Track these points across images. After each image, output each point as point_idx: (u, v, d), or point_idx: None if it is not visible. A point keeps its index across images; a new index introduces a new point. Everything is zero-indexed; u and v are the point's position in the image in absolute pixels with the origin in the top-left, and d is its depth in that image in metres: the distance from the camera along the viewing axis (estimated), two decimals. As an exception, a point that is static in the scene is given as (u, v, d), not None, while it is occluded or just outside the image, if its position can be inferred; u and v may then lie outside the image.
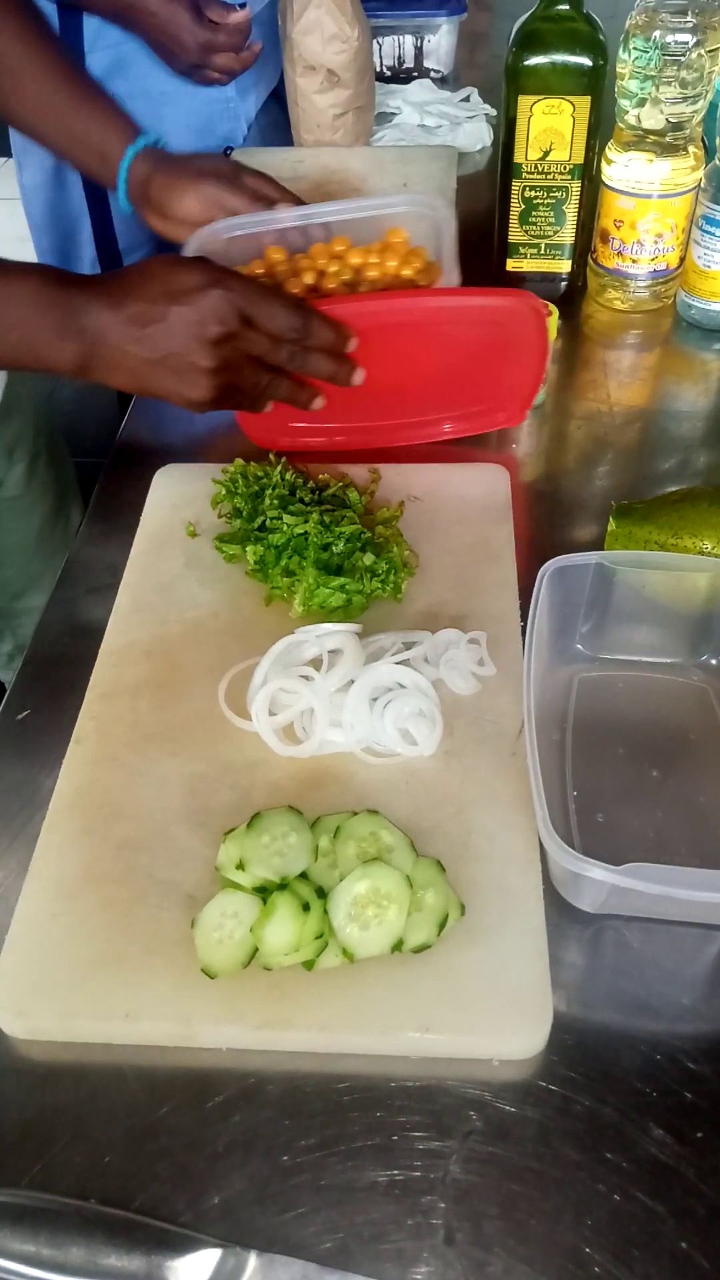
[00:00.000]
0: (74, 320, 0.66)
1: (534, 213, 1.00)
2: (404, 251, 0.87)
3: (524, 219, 1.01)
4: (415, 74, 1.51)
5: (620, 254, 1.02)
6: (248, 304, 0.68)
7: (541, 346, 0.81)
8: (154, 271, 0.68)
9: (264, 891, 0.54)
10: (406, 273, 0.85)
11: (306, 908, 0.53)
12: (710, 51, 0.91)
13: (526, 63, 0.92)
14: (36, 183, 1.29)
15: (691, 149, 0.96)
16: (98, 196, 1.28)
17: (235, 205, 0.90)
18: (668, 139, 0.95)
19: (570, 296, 1.06)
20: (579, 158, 0.96)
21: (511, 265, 1.04)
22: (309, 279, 0.85)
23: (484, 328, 0.81)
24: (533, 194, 0.99)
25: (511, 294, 0.81)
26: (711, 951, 0.56)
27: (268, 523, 0.74)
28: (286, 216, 0.89)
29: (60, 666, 0.72)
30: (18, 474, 1.02)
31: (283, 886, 0.54)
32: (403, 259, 0.86)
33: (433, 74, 1.51)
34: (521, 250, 1.03)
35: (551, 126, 0.94)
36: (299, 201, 0.93)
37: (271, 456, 0.81)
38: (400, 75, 1.51)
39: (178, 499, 0.83)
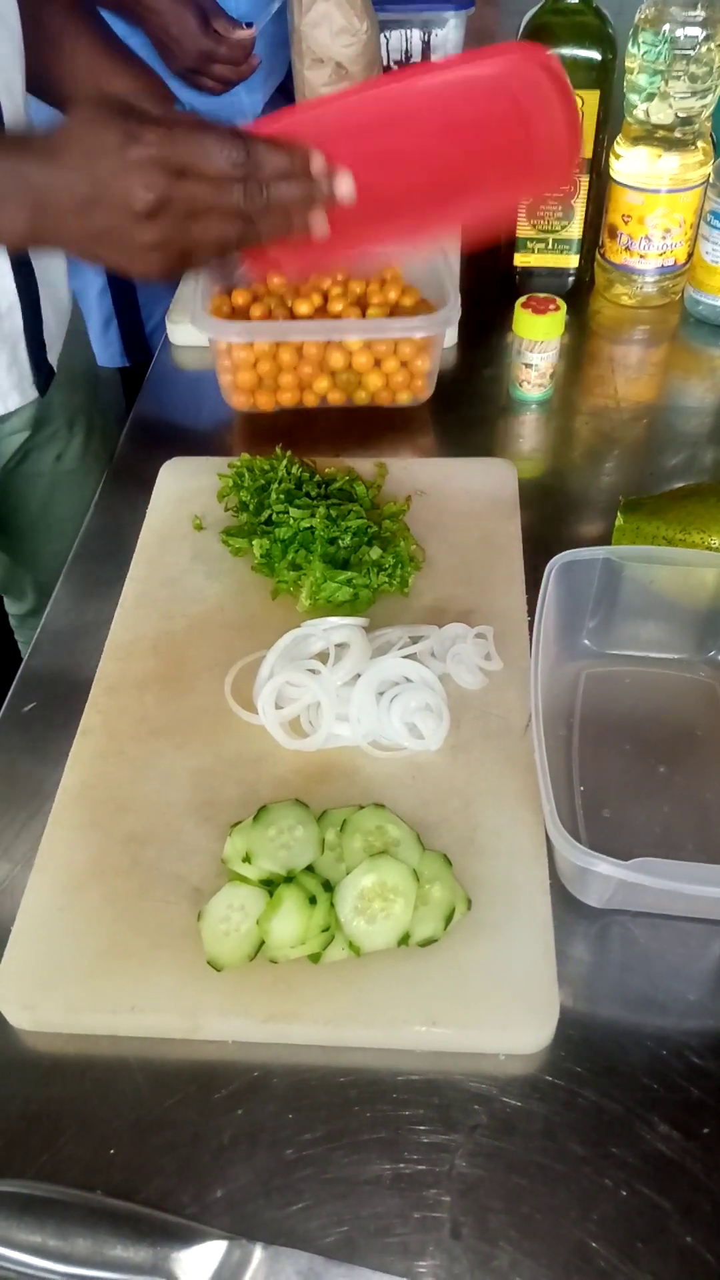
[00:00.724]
0: (15, 183, 0.58)
1: (541, 207, 1.00)
2: (401, 285, 0.91)
3: (532, 214, 1.01)
4: (422, 68, 1.50)
5: (628, 249, 1.01)
6: (173, 153, 0.57)
7: (567, 103, 0.67)
8: (78, 134, 0.59)
9: (270, 885, 0.54)
10: (406, 302, 0.89)
11: (313, 901, 0.53)
12: (720, 45, 0.90)
13: (535, 56, 0.91)
14: None
15: (700, 144, 0.96)
16: None
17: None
18: (676, 134, 0.95)
19: (578, 292, 1.06)
20: (587, 152, 0.96)
21: (519, 260, 1.04)
22: (314, 300, 0.89)
23: (491, 101, 0.68)
24: (541, 188, 0.99)
25: (511, 49, 0.70)
26: (718, 947, 0.56)
27: (274, 516, 0.74)
28: None
29: (66, 659, 0.72)
30: (76, 447, 1.02)
31: (289, 880, 0.54)
32: (402, 290, 0.90)
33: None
34: (529, 245, 1.03)
35: (560, 120, 0.94)
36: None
37: (278, 450, 0.81)
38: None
39: (184, 492, 0.83)
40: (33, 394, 0.92)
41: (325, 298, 0.90)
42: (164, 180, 0.57)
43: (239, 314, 0.90)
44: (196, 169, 0.58)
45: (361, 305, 0.89)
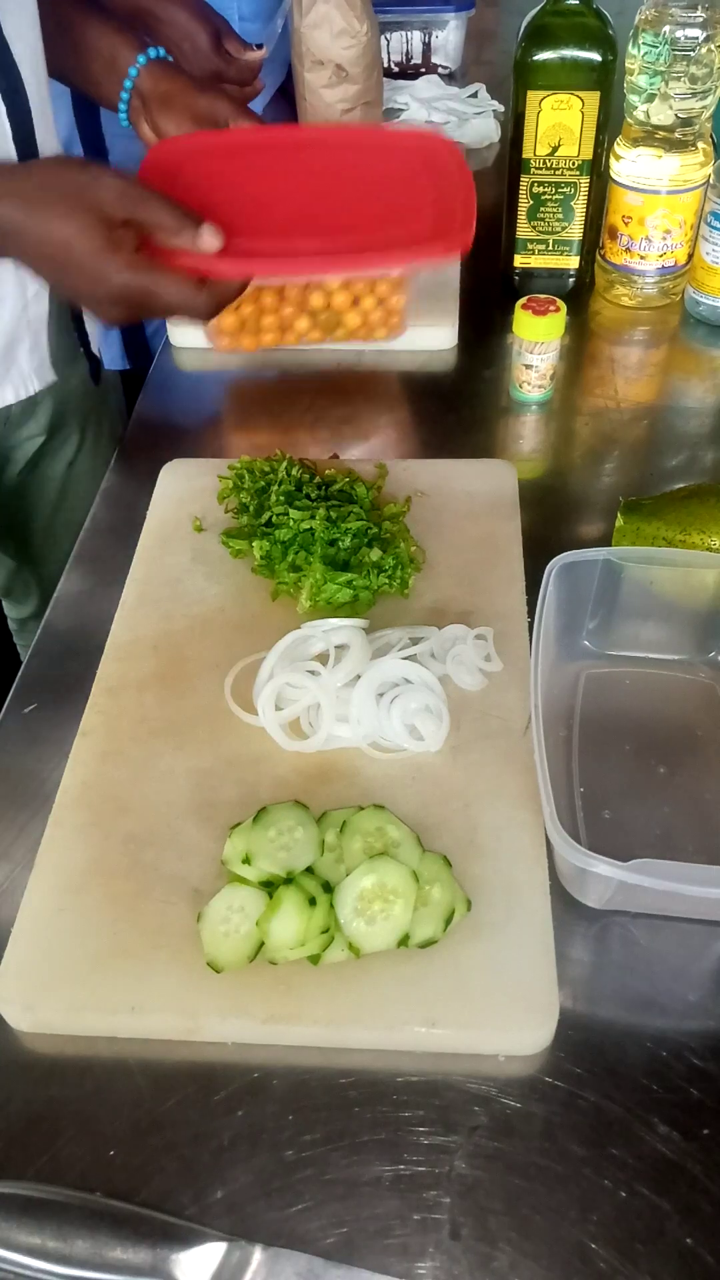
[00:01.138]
0: None
1: (542, 208, 1.00)
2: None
3: (532, 215, 1.01)
4: (423, 70, 1.50)
5: (628, 250, 1.01)
6: (141, 281, 0.68)
7: (463, 178, 0.77)
8: (53, 225, 0.67)
9: (270, 886, 0.54)
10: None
11: (313, 902, 0.53)
12: (720, 47, 0.90)
13: (535, 58, 0.91)
14: None
15: (701, 145, 0.96)
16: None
17: (223, 113, 0.89)
18: (677, 135, 0.95)
19: (578, 293, 1.06)
20: (588, 153, 0.96)
21: (519, 261, 1.04)
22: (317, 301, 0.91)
23: (395, 156, 0.79)
24: (541, 190, 0.99)
25: (422, 132, 0.83)
26: (718, 948, 0.56)
27: (274, 518, 0.74)
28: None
29: (67, 660, 0.72)
30: (86, 451, 1.04)
31: (289, 881, 0.54)
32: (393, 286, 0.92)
33: (440, 70, 1.51)
34: (529, 246, 1.03)
35: (560, 122, 0.94)
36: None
37: (278, 452, 0.81)
38: (408, 71, 1.51)
39: (184, 493, 0.83)
40: (50, 377, 0.93)
41: None
42: (129, 311, 0.69)
43: None
44: (150, 307, 0.69)
45: None
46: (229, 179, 0.77)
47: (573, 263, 1.04)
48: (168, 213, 0.68)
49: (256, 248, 0.71)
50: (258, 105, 1.33)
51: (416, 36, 1.49)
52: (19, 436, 0.96)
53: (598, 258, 1.06)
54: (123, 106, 0.92)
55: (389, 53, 1.49)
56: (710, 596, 0.68)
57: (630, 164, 0.97)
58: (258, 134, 0.82)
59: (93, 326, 0.97)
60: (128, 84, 0.91)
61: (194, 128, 0.88)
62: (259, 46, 0.95)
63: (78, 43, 0.91)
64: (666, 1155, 0.48)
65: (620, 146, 0.98)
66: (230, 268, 0.70)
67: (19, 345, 0.89)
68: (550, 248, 1.03)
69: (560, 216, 1.00)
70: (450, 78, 1.50)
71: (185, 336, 1.03)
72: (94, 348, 0.96)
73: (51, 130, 0.88)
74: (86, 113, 1.28)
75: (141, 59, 0.90)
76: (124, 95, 0.91)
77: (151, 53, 0.91)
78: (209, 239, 0.68)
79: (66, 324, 0.94)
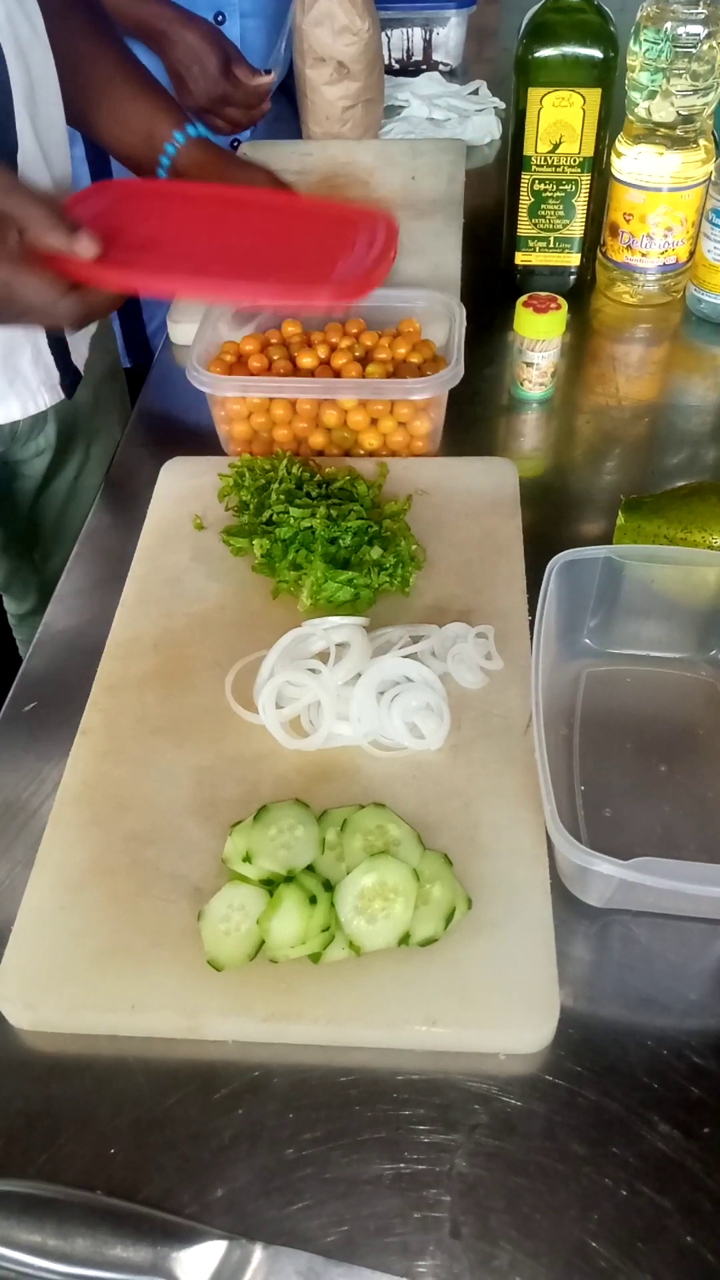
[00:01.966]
0: None
1: (543, 206, 1.00)
2: (415, 340, 0.87)
3: (533, 212, 1.01)
4: (424, 67, 1.50)
5: (629, 248, 1.01)
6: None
7: (388, 244, 0.75)
8: None
9: (270, 884, 0.54)
10: (414, 359, 0.86)
11: (313, 900, 0.53)
12: (721, 43, 0.90)
13: (536, 55, 0.91)
14: None
15: (702, 142, 0.96)
16: None
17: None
18: (678, 132, 0.95)
19: (579, 290, 1.05)
20: (589, 151, 0.96)
21: (520, 259, 1.04)
22: (321, 352, 0.86)
23: (335, 225, 0.77)
24: (542, 187, 0.99)
25: (362, 209, 0.79)
26: (719, 947, 0.56)
27: (274, 516, 0.74)
28: None
29: (67, 658, 0.72)
30: (94, 458, 1.04)
31: (289, 879, 0.54)
32: (412, 347, 0.86)
33: (441, 67, 1.50)
34: (530, 244, 1.03)
35: (561, 119, 0.94)
36: None
37: (278, 451, 0.81)
38: (409, 68, 1.51)
39: (184, 491, 0.83)
40: (59, 395, 0.92)
41: (332, 348, 0.86)
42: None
43: (241, 362, 0.87)
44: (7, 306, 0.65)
45: (365, 360, 0.86)
46: (150, 217, 0.76)
47: (574, 260, 1.04)
48: (43, 210, 0.64)
49: (138, 261, 0.69)
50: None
51: (417, 33, 1.48)
52: (27, 452, 0.95)
53: (599, 255, 1.06)
54: (161, 173, 0.91)
55: (390, 49, 1.49)
56: (711, 595, 0.68)
57: (631, 161, 0.97)
58: (211, 188, 0.83)
59: (76, 336, 0.95)
60: (164, 160, 0.90)
61: None
62: (267, 71, 0.95)
63: (115, 111, 0.90)
64: (667, 1154, 0.48)
65: (621, 144, 0.98)
66: (108, 276, 0.67)
67: (19, 355, 0.88)
68: (551, 245, 1.03)
69: (561, 214, 1.00)
70: (451, 75, 1.50)
71: (186, 334, 1.03)
72: (73, 359, 0.95)
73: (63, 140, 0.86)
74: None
75: (180, 136, 0.89)
76: (163, 164, 0.90)
77: (191, 131, 0.90)
78: (85, 244, 0.64)
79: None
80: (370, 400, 0.83)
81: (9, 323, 0.68)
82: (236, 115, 1.18)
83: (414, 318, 0.90)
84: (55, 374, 0.91)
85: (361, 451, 0.86)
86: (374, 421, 0.84)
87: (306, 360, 0.86)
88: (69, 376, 0.93)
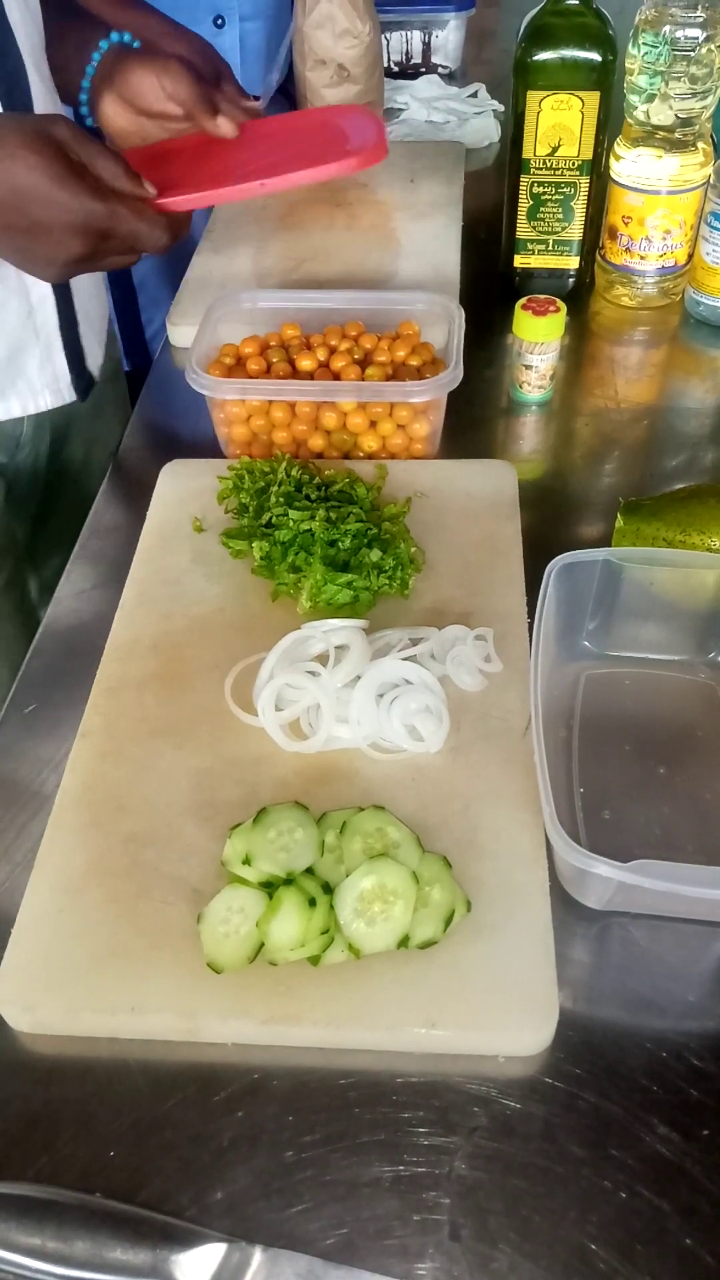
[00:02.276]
0: None
1: (542, 209, 1.00)
2: (414, 343, 0.88)
3: (532, 215, 1.01)
4: (423, 70, 1.50)
5: (628, 250, 1.01)
6: (99, 224, 0.71)
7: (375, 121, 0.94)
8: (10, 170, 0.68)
9: (270, 887, 0.54)
10: (413, 362, 0.86)
11: (312, 903, 0.53)
12: (720, 47, 0.90)
13: (535, 58, 0.91)
14: None
15: (701, 145, 0.96)
16: None
17: (182, 98, 0.87)
18: (677, 135, 0.95)
19: (578, 293, 1.06)
20: (588, 153, 0.96)
21: (519, 261, 1.04)
22: (320, 355, 0.86)
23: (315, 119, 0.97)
24: (541, 190, 0.99)
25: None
26: (718, 949, 0.56)
27: (274, 519, 0.74)
28: (311, 296, 0.92)
29: (66, 661, 0.72)
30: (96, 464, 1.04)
31: (289, 882, 0.54)
32: (411, 349, 0.87)
33: (441, 70, 1.51)
34: (529, 246, 1.03)
35: (560, 122, 0.94)
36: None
37: (278, 453, 0.81)
38: (408, 71, 1.51)
39: (184, 494, 0.83)
40: (70, 396, 0.92)
41: (331, 351, 0.86)
42: (91, 243, 0.71)
43: (240, 365, 0.87)
44: (115, 236, 0.72)
45: (364, 363, 0.86)
46: (184, 158, 0.88)
47: (573, 263, 1.04)
48: (112, 160, 0.72)
49: (186, 189, 0.79)
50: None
51: (417, 36, 1.49)
52: (24, 452, 0.95)
53: (598, 258, 1.06)
54: (84, 97, 0.90)
55: (389, 52, 1.49)
56: (710, 597, 0.68)
57: (630, 164, 0.97)
58: (199, 136, 0.90)
59: (89, 339, 0.95)
60: (90, 69, 0.89)
61: (150, 107, 0.88)
62: (255, 99, 0.96)
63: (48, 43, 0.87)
64: (666, 1156, 0.48)
65: (620, 146, 0.98)
66: (172, 204, 0.77)
67: (25, 354, 0.87)
68: (550, 248, 1.03)
69: (560, 216, 1.00)
70: (450, 77, 1.50)
71: (185, 336, 1.03)
72: (88, 364, 0.95)
73: (55, 101, 0.86)
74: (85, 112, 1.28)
75: (104, 44, 0.88)
76: (85, 84, 0.89)
77: (115, 36, 0.89)
78: (148, 185, 0.74)
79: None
80: (370, 403, 0.83)
81: (114, 254, 0.74)
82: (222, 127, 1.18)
83: (413, 320, 0.90)
84: (65, 376, 0.91)
85: (361, 454, 0.86)
86: (373, 424, 0.84)
87: (306, 363, 0.86)
88: (84, 379, 0.94)
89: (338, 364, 0.85)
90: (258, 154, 0.88)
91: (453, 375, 0.80)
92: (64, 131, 0.69)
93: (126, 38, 0.91)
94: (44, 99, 0.81)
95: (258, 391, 0.83)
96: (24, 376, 0.88)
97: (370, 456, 0.86)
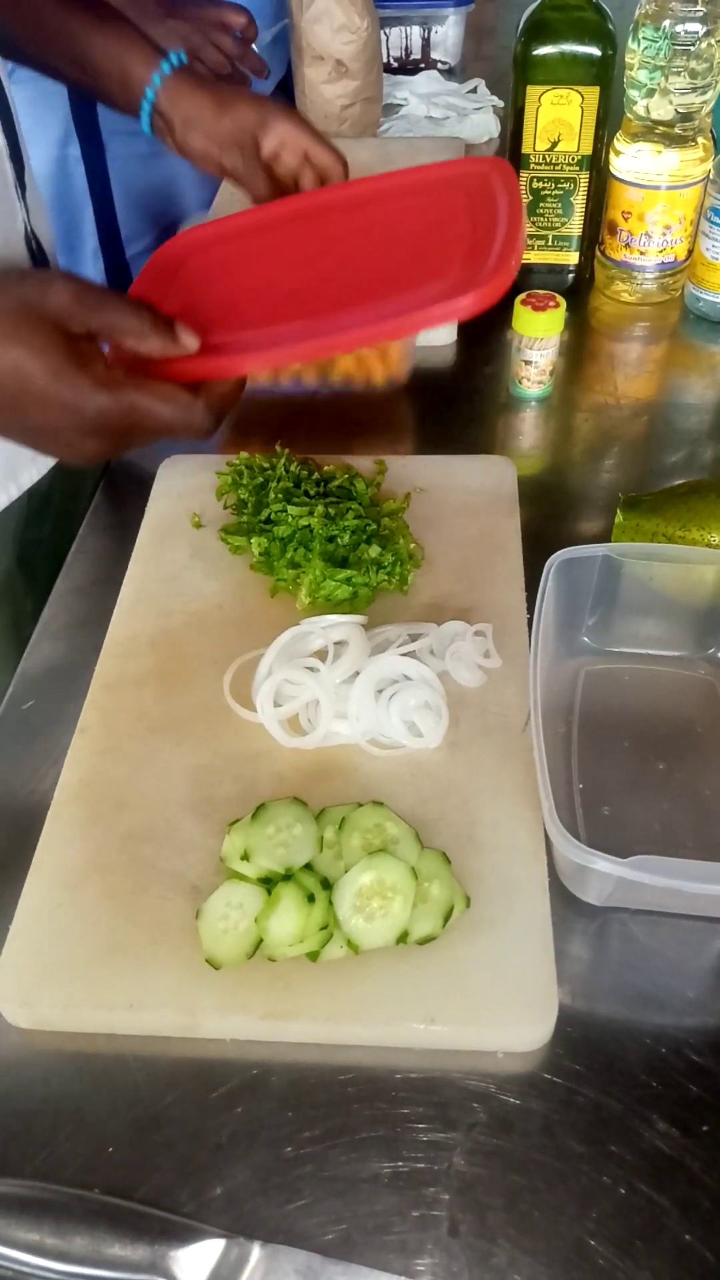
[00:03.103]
0: None
1: (541, 204, 1.00)
2: None
3: (531, 210, 1.00)
4: (422, 65, 1.50)
5: (628, 246, 1.01)
6: (122, 418, 0.57)
7: (512, 204, 0.62)
8: (19, 364, 0.54)
9: (269, 883, 0.54)
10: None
11: (311, 899, 0.53)
12: (720, 41, 0.90)
13: (535, 53, 0.91)
14: (40, 172, 1.29)
15: (701, 140, 0.96)
16: (101, 184, 1.27)
17: (248, 120, 0.79)
18: (677, 130, 0.95)
19: (577, 289, 1.05)
20: (587, 149, 0.96)
21: (519, 257, 1.04)
22: None
23: (429, 195, 0.66)
24: (540, 185, 0.99)
25: (461, 161, 0.68)
26: (717, 945, 0.56)
27: (272, 515, 0.73)
28: None
29: (65, 657, 0.72)
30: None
31: (287, 877, 0.54)
32: None
33: (440, 65, 1.50)
34: (529, 242, 1.03)
35: (560, 117, 0.94)
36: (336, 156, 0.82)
37: (277, 448, 0.81)
38: (407, 66, 1.50)
39: (182, 490, 0.83)
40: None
41: None
42: (110, 441, 0.58)
43: None
44: (138, 430, 0.58)
45: None
46: (231, 267, 0.67)
47: (572, 258, 1.03)
48: (131, 315, 0.57)
49: (246, 340, 0.60)
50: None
51: (416, 31, 1.48)
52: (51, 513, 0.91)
53: (597, 253, 1.06)
54: (144, 120, 0.84)
55: (388, 48, 1.48)
56: (710, 593, 0.68)
57: (630, 159, 0.97)
58: (266, 211, 0.72)
59: None
60: (146, 105, 0.83)
61: (222, 145, 0.80)
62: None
63: (84, 58, 0.82)
64: (665, 1152, 0.48)
65: (620, 142, 0.98)
66: (223, 364, 0.59)
67: None
68: (550, 243, 1.03)
69: (560, 212, 1.00)
70: (450, 73, 1.50)
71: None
72: None
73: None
74: (84, 109, 1.27)
75: (156, 78, 0.81)
76: (145, 111, 0.83)
77: (166, 66, 0.81)
78: (186, 339, 0.58)
79: None
80: None
81: (144, 443, 0.60)
82: (214, 57, 1.14)
83: None
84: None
85: (338, 378, 0.87)
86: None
87: None
88: None
89: None
90: (334, 247, 0.65)
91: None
92: (61, 298, 0.55)
93: (177, 60, 0.82)
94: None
95: None
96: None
97: (348, 380, 0.87)
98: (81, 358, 0.55)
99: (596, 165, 0.97)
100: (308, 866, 0.55)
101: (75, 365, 0.54)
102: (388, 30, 1.46)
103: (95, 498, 0.87)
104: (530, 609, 0.69)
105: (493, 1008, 0.51)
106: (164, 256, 0.72)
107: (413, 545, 0.74)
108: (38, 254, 0.83)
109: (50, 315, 0.54)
